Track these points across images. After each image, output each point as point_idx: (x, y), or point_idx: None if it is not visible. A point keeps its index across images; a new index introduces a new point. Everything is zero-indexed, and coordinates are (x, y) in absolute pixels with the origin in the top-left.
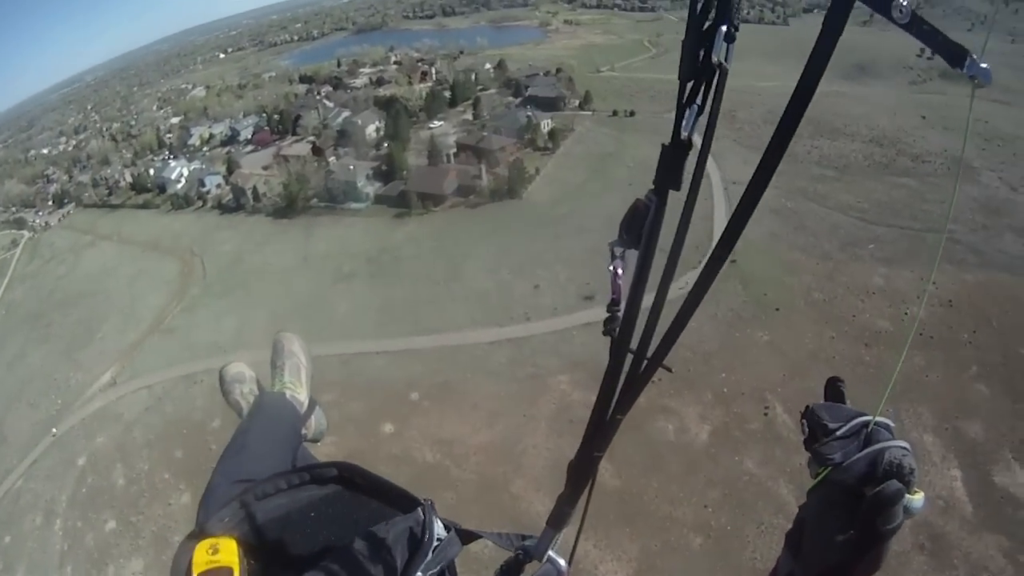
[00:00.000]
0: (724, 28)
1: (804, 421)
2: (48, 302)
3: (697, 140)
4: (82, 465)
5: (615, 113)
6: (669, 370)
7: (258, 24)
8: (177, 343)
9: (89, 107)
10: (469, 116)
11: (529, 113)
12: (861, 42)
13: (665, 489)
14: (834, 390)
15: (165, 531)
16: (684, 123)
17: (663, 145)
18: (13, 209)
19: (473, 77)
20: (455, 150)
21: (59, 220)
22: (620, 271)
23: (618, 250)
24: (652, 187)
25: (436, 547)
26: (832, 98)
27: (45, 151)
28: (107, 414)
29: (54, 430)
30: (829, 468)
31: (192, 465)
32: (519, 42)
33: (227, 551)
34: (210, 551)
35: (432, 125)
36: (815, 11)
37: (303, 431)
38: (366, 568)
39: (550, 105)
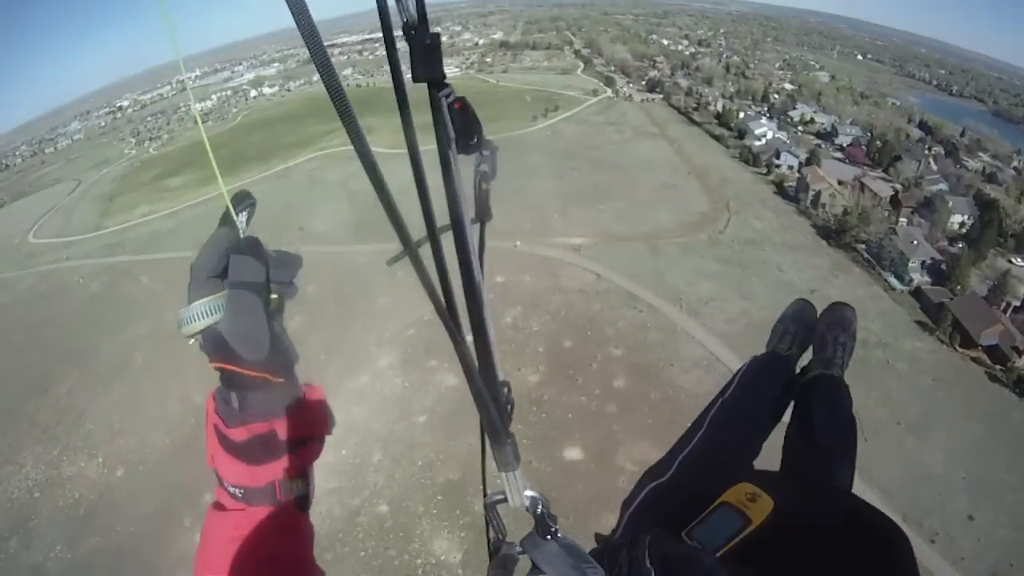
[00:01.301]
0: None
1: None
2: (584, 149)
3: None
4: (496, 281)
5: None
6: None
7: (904, 49)
8: (644, 266)
9: (721, 31)
10: None
11: None
12: None
13: None
14: None
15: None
16: None
17: None
18: (612, 68)
19: None
20: (1018, 303)
21: (641, 100)
22: None
23: None
24: None
25: None
26: None
27: (665, 42)
28: (549, 267)
29: (518, 243)
30: None
31: (562, 363)
32: None
33: (761, 508)
34: (748, 497)
35: (1016, 260)
36: None
37: None
38: None
39: None
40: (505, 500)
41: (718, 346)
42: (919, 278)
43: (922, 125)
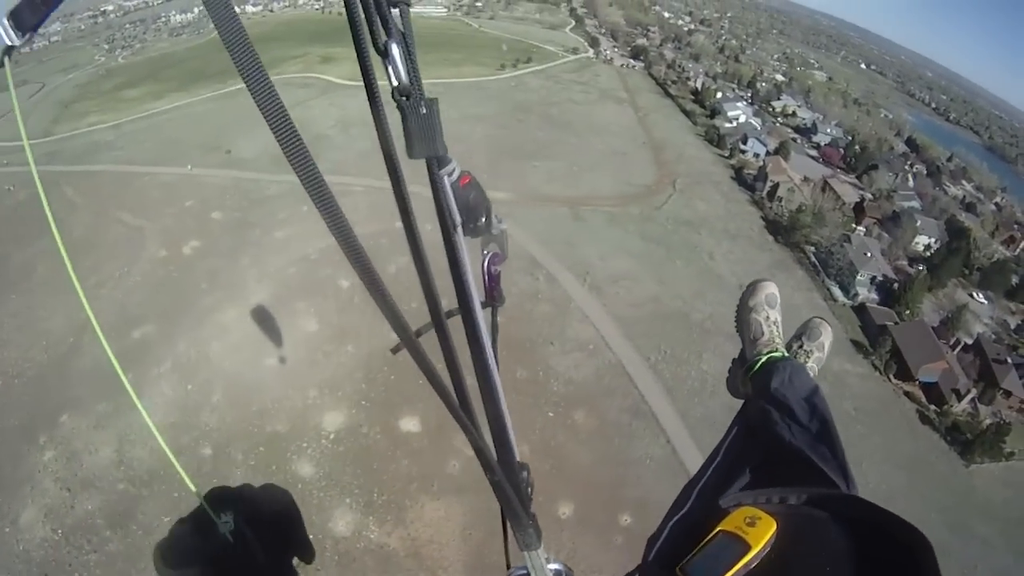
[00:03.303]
0: None
1: None
2: (541, 104)
3: None
4: (396, 226)
5: None
6: None
7: (910, 68)
8: (560, 231)
9: (728, 14)
10: (1016, 323)
11: None
12: None
13: None
14: None
15: None
16: None
17: None
18: (602, 30)
19: None
20: (969, 342)
21: (621, 65)
22: None
23: None
24: None
25: None
26: None
27: (666, 15)
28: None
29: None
30: None
31: None
32: None
33: (761, 531)
34: (747, 521)
35: (977, 295)
36: None
37: None
38: None
39: None
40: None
41: (611, 329)
42: (865, 294)
43: (909, 142)
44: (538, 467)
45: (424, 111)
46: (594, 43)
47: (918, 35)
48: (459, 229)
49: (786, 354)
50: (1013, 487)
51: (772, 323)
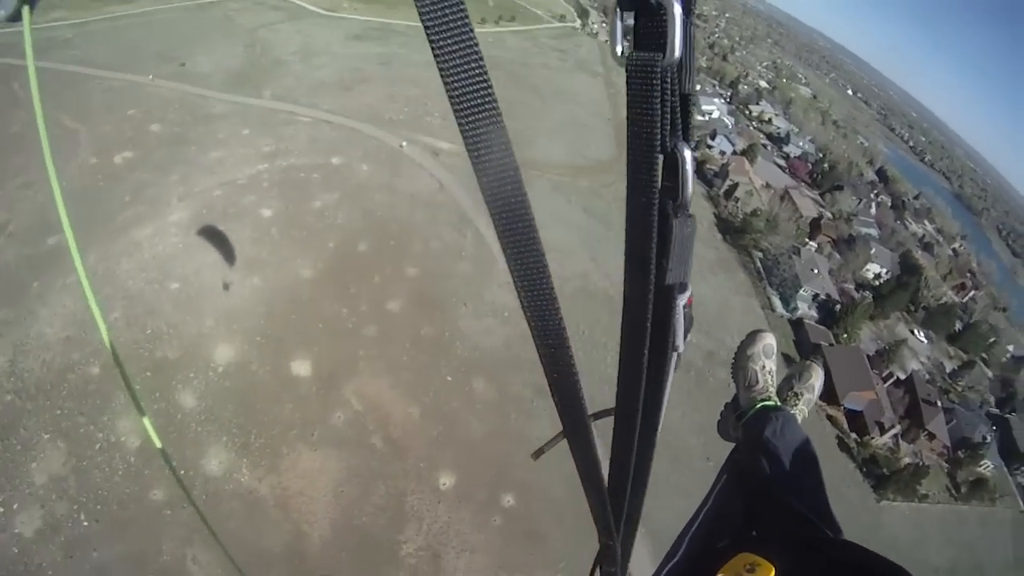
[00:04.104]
0: None
1: None
2: (514, 64)
3: None
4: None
5: None
6: None
7: (896, 104)
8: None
9: (726, 14)
10: (952, 368)
11: None
12: None
13: None
14: None
15: None
16: None
17: None
18: (595, 3)
19: None
20: (902, 377)
21: (605, 41)
22: None
23: None
24: None
25: None
26: None
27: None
28: (395, 163)
29: (404, 144)
30: None
31: (345, 266)
32: None
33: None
34: (746, 567)
35: (916, 331)
36: None
37: None
38: None
39: None
40: None
41: None
42: (805, 309)
43: (880, 172)
44: (426, 432)
45: (689, 229)
46: (583, 14)
47: (910, 75)
48: (679, 351)
49: (779, 403)
50: (921, 529)
51: (767, 372)
